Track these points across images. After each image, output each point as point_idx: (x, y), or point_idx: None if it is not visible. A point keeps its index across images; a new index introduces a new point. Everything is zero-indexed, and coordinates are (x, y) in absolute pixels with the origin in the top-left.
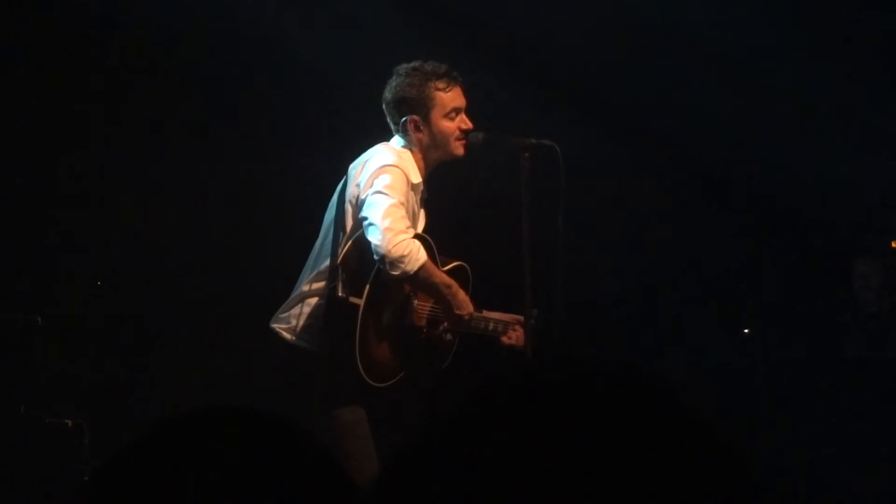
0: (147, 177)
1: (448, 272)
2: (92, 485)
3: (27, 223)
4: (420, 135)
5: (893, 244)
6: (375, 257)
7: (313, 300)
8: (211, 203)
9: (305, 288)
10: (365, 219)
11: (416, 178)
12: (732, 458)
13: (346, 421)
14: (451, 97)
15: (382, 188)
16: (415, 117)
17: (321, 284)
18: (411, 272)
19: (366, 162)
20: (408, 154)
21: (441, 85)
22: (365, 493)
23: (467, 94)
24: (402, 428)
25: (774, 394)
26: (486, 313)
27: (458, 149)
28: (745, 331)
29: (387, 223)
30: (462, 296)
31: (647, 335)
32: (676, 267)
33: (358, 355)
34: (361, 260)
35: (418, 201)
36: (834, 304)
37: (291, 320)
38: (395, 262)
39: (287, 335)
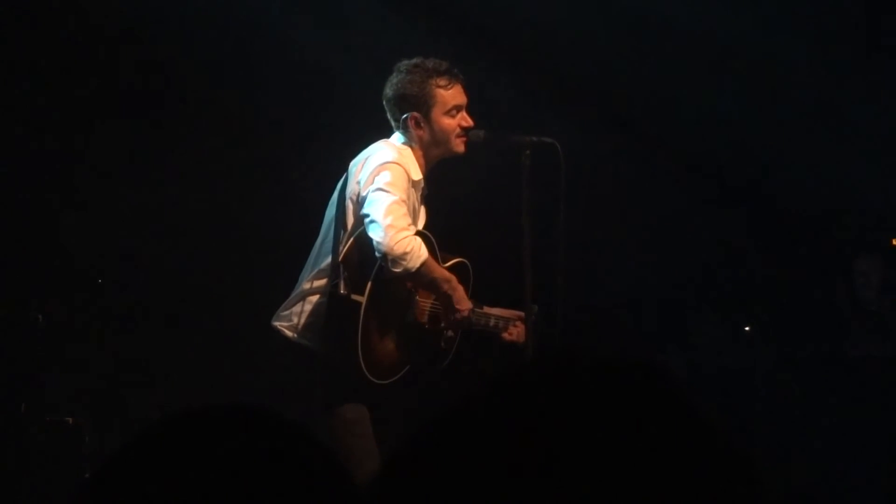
0: (147, 175)
1: (449, 269)
2: (92, 483)
3: (27, 222)
4: (421, 132)
5: (894, 242)
6: (377, 255)
7: (314, 298)
8: (211, 202)
9: (307, 286)
10: (366, 216)
11: (417, 174)
12: (735, 456)
13: (347, 419)
14: (452, 94)
15: (383, 185)
16: (416, 114)
17: (322, 282)
18: (413, 269)
19: (366, 159)
20: (408, 151)
21: (442, 82)
22: (364, 490)
23: (468, 91)
24: (402, 425)
25: (775, 392)
26: (486, 309)
27: (459, 146)
28: (746, 329)
29: (388, 220)
30: (461, 292)
31: (648, 333)
32: (677, 265)
33: (360, 353)
34: (363, 257)
35: (419, 198)
36: (835, 303)
37: (293, 318)
38: (397, 259)
39: (288, 333)
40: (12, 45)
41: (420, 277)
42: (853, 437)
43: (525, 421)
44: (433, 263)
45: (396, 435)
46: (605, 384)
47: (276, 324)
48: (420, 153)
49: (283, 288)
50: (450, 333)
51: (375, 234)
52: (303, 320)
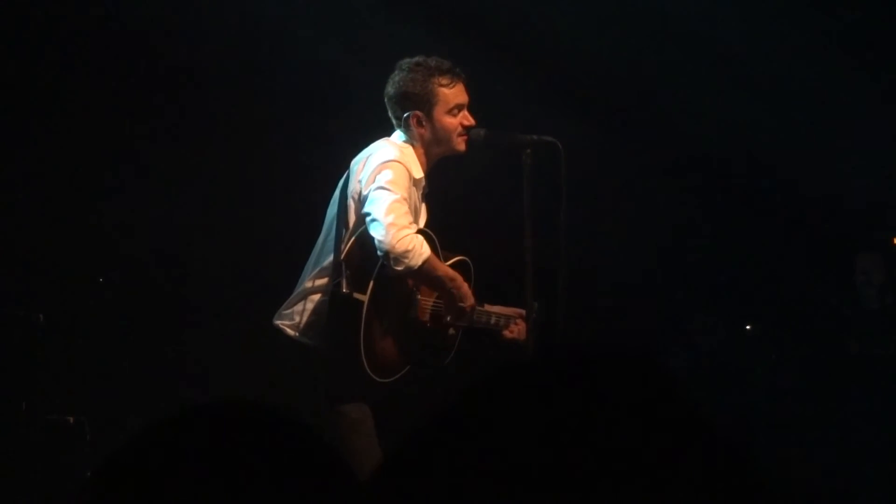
0: (148, 173)
1: (450, 267)
2: (94, 481)
3: (28, 220)
4: (422, 130)
5: (895, 240)
6: (379, 253)
7: (316, 297)
8: (212, 200)
9: (308, 284)
10: (368, 215)
11: (418, 173)
12: (734, 453)
13: (350, 418)
14: (454, 93)
15: (385, 184)
16: (417, 113)
17: (324, 281)
18: (415, 267)
19: (368, 157)
20: (409, 149)
21: (445, 81)
22: (367, 488)
23: (469, 90)
24: (403, 424)
25: (776, 390)
26: (487, 307)
27: (460, 145)
28: (747, 327)
29: (390, 219)
30: (465, 288)
31: (648, 331)
32: (678, 263)
33: (362, 351)
34: (365, 256)
35: (420, 196)
36: (836, 301)
37: (295, 317)
38: (399, 257)
39: (290, 332)
40: (11, 44)
41: (423, 275)
42: (854, 436)
43: (526, 418)
44: (436, 261)
45: (398, 433)
46: (604, 382)
47: (278, 322)
48: (421, 151)
49: (284, 287)
50: (451, 332)
51: (377, 232)
52: (305, 319)
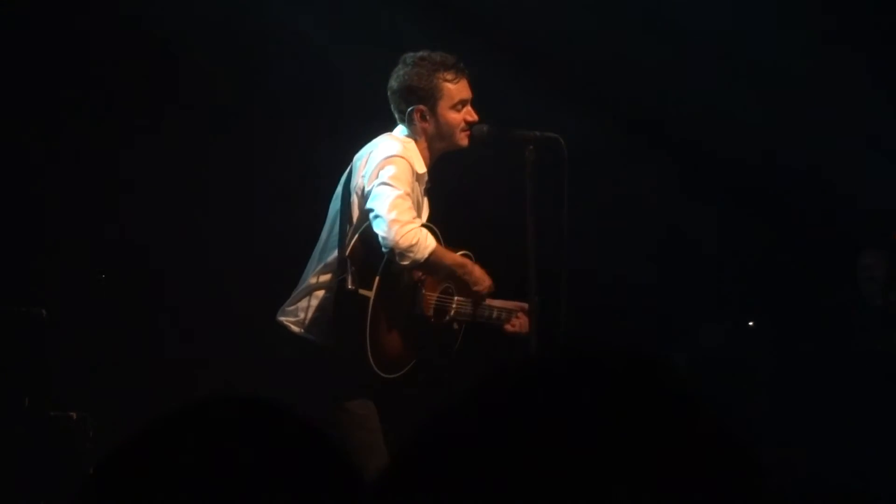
0: (149, 170)
1: None
2: (96, 477)
3: (31, 216)
4: (426, 125)
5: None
6: (384, 249)
7: (321, 293)
8: (214, 197)
9: (313, 280)
10: (371, 211)
11: (421, 168)
12: (739, 451)
13: (355, 414)
14: (458, 89)
15: (388, 179)
16: (421, 107)
17: (329, 277)
18: (422, 260)
19: (370, 153)
20: (412, 144)
21: (449, 76)
22: (371, 486)
23: (473, 85)
24: (408, 421)
25: (779, 388)
26: (489, 301)
27: (463, 140)
28: (750, 324)
29: (393, 215)
30: (477, 272)
31: (651, 328)
32: (681, 259)
33: (369, 347)
34: (370, 251)
35: (422, 191)
36: (838, 297)
37: (299, 313)
38: (405, 252)
39: (295, 328)
40: (10, 43)
41: (431, 266)
42: (857, 433)
43: (530, 417)
44: (443, 251)
45: (403, 430)
46: (608, 380)
47: (282, 319)
48: (424, 146)
49: (287, 283)
50: (455, 326)
51: (380, 228)
52: (309, 315)
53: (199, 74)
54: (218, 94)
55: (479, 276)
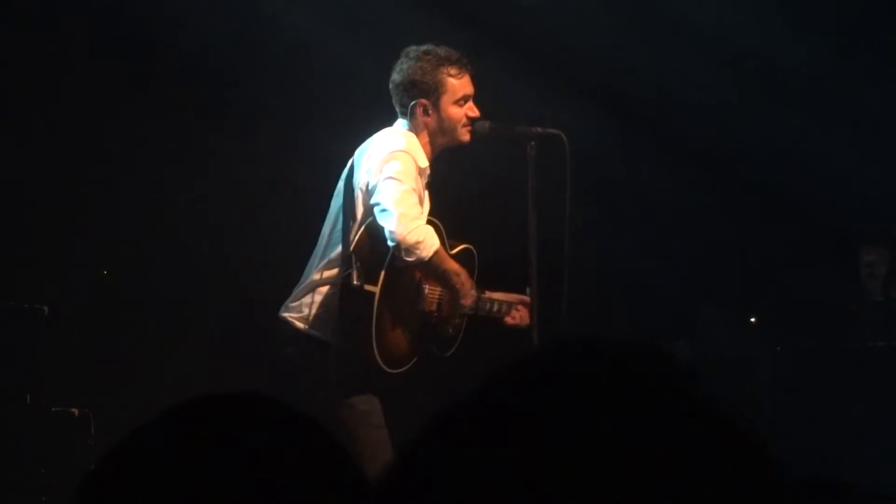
0: (151, 167)
1: (455, 255)
2: (98, 473)
3: (32, 212)
4: (428, 119)
5: None
6: (390, 244)
7: (325, 289)
8: (215, 194)
9: (316, 276)
10: (377, 205)
11: (424, 162)
12: (751, 445)
13: (360, 410)
14: (461, 84)
15: (393, 174)
16: (424, 101)
17: (333, 272)
18: (426, 258)
19: (374, 148)
20: (414, 138)
21: (453, 71)
22: (375, 484)
23: (475, 81)
24: (413, 416)
25: (781, 383)
26: (489, 294)
27: (465, 135)
28: (752, 320)
29: (401, 210)
30: (468, 286)
31: (653, 324)
32: (683, 255)
33: (374, 343)
34: (375, 247)
35: (424, 185)
36: (840, 293)
37: (303, 309)
38: (411, 248)
39: (299, 324)
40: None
41: (431, 267)
42: (859, 428)
43: (536, 412)
44: (444, 254)
45: (407, 426)
46: (614, 374)
47: (286, 315)
48: (426, 140)
49: (288, 279)
50: (457, 321)
51: (388, 223)
52: (314, 311)
53: (200, 73)
54: (218, 92)
55: (468, 291)
